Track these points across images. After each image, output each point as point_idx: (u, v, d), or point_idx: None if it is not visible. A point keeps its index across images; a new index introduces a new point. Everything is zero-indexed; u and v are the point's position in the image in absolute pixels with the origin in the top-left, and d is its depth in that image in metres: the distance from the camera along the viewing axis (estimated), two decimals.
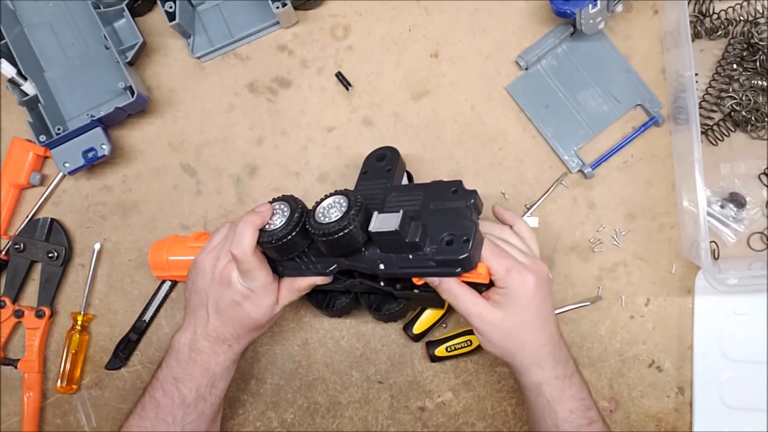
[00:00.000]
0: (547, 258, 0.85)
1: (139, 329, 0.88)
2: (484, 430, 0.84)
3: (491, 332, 0.66)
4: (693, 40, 0.86)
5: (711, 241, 0.83)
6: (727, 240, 0.84)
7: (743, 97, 0.83)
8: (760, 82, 0.83)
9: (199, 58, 0.90)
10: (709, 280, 0.76)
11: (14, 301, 0.89)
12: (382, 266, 0.67)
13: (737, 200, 0.83)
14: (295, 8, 0.88)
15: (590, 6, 0.78)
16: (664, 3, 0.86)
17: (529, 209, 0.85)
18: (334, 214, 0.65)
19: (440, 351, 0.83)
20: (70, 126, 0.88)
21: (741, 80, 0.84)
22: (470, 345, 0.82)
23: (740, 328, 0.81)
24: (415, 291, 0.73)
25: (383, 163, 0.79)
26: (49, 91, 0.88)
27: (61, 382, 0.87)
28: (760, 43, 0.82)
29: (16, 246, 0.88)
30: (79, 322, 0.87)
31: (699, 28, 0.85)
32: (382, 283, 0.73)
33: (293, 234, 0.66)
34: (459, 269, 0.64)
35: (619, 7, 0.81)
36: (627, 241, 0.84)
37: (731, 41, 0.84)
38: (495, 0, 0.88)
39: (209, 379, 0.71)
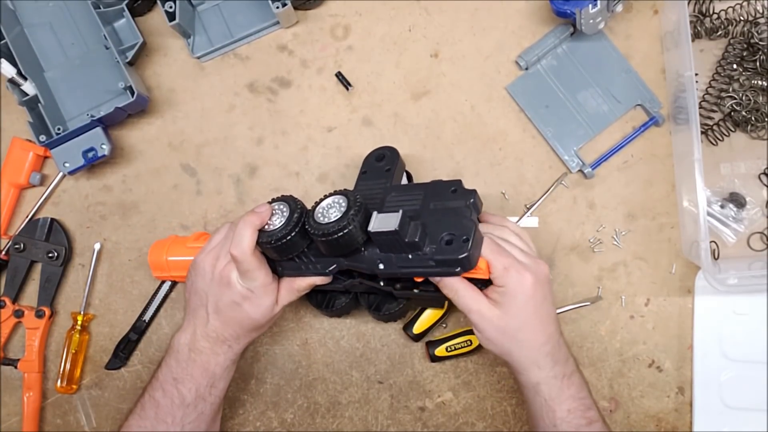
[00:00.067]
0: (547, 258, 0.85)
1: (139, 329, 0.88)
2: (484, 430, 0.84)
3: (489, 330, 0.66)
4: (693, 40, 0.85)
5: (711, 241, 0.83)
6: (727, 240, 0.84)
7: (743, 97, 0.83)
8: (760, 82, 0.83)
9: (199, 58, 0.90)
10: (709, 280, 0.75)
11: (14, 301, 0.89)
12: (381, 266, 0.67)
13: (737, 200, 0.83)
14: (295, 8, 0.88)
15: (590, 6, 0.78)
16: (664, 3, 0.86)
17: (529, 209, 0.85)
18: (334, 214, 0.65)
19: (440, 351, 0.83)
20: (70, 126, 0.88)
21: (741, 80, 0.84)
22: (470, 345, 0.82)
23: (740, 328, 0.81)
24: (415, 291, 0.73)
25: (383, 163, 0.79)
26: (49, 91, 0.88)
27: (61, 382, 0.87)
28: (760, 43, 0.82)
29: (16, 246, 0.88)
30: (79, 322, 0.87)
31: (699, 28, 0.85)
32: (381, 283, 0.73)
33: (292, 234, 0.66)
34: (458, 269, 0.64)
35: (619, 7, 0.81)
36: (627, 241, 0.84)
37: (731, 41, 0.84)
38: (495, 0, 0.88)
39: (209, 380, 0.71)
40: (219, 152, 0.90)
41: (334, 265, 0.70)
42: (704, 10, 0.85)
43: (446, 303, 0.81)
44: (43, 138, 0.84)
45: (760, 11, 0.83)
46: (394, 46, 0.89)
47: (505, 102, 0.87)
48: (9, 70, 0.83)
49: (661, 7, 0.86)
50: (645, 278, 0.84)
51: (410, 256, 0.65)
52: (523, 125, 0.87)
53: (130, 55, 0.87)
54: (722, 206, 0.83)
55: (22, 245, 0.88)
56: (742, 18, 0.84)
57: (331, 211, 0.66)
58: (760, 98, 0.82)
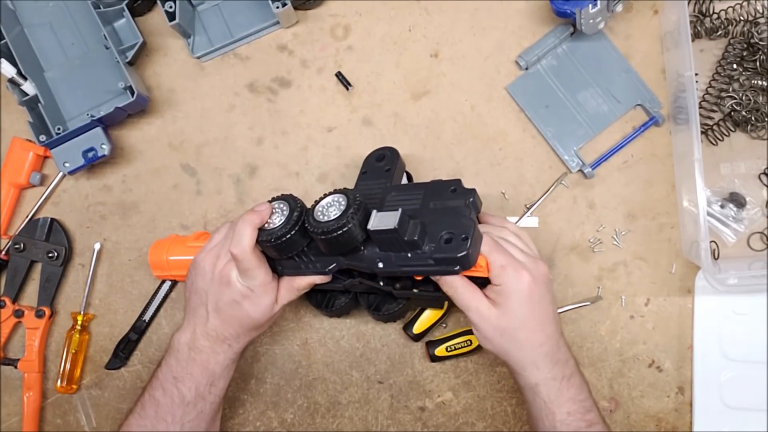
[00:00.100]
0: (547, 258, 0.85)
1: (139, 329, 0.88)
2: (484, 430, 0.84)
3: (488, 329, 0.66)
4: (693, 40, 0.85)
5: (711, 241, 0.83)
6: (727, 240, 0.84)
7: (743, 97, 0.83)
8: (760, 82, 0.83)
9: (199, 58, 0.90)
10: (709, 280, 0.75)
11: (14, 300, 0.89)
12: (381, 265, 0.67)
13: (737, 200, 0.83)
14: (295, 8, 0.88)
15: (590, 6, 0.78)
16: (664, 3, 0.86)
17: (529, 209, 0.85)
18: (333, 213, 0.65)
19: (440, 351, 0.83)
20: (70, 126, 0.88)
21: (741, 80, 0.84)
22: (470, 345, 0.82)
23: (740, 328, 0.81)
24: (414, 291, 0.73)
25: (383, 163, 0.79)
26: (49, 91, 0.88)
27: (61, 382, 0.87)
28: (760, 43, 0.82)
29: (16, 246, 0.88)
30: (79, 322, 0.87)
31: (699, 28, 0.85)
32: (381, 283, 0.73)
33: (292, 233, 0.66)
34: (458, 267, 0.64)
35: (619, 7, 0.81)
36: (627, 241, 0.84)
37: (731, 41, 0.84)
38: (495, 0, 0.88)
39: (209, 378, 0.71)
40: (219, 152, 0.90)
41: (334, 264, 0.70)
42: (704, 10, 0.85)
43: (446, 303, 0.81)
44: (43, 138, 0.84)
45: (760, 11, 0.83)
46: (394, 46, 0.89)
47: (505, 102, 0.87)
48: (9, 70, 0.83)
49: (661, 7, 0.86)
50: (645, 278, 0.84)
51: (409, 255, 0.65)
52: (523, 125, 0.87)
53: (130, 55, 0.87)
54: (722, 206, 0.83)
55: (22, 245, 0.88)
56: (742, 18, 0.84)
57: (330, 209, 0.66)
58: (760, 98, 0.82)
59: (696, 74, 0.84)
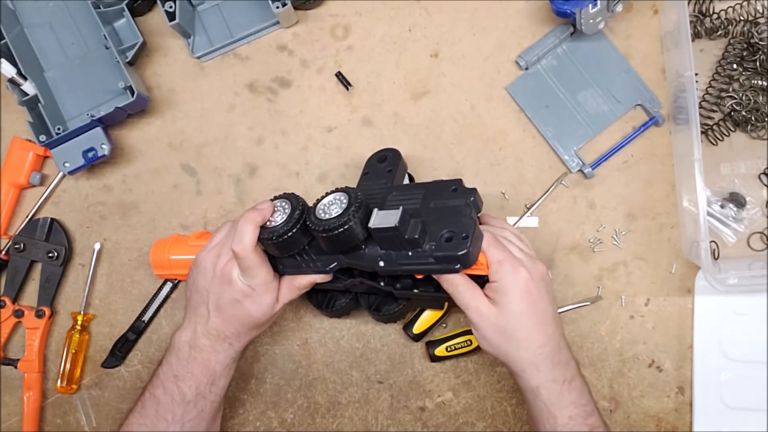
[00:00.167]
0: (547, 258, 0.85)
1: (138, 329, 0.88)
2: (484, 430, 0.84)
3: (487, 328, 0.66)
4: (693, 40, 0.86)
5: (711, 241, 0.83)
6: (727, 240, 0.84)
7: (743, 97, 0.83)
8: (760, 82, 0.83)
9: (199, 58, 0.90)
10: (709, 280, 0.75)
11: (14, 300, 0.89)
12: (381, 263, 0.67)
13: (737, 200, 0.83)
14: (295, 8, 0.88)
15: (590, 6, 0.78)
16: (664, 3, 0.86)
17: (529, 209, 0.85)
18: (335, 211, 0.65)
19: (440, 351, 0.83)
20: (70, 126, 0.88)
21: (741, 80, 0.84)
22: (470, 345, 0.82)
23: (740, 328, 0.81)
24: (415, 291, 0.73)
25: (384, 164, 0.79)
26: (49, 91, 0.88)
27: (61, 382, 0.87)
28: (760, 43, 0.82)
29: (16, 246, 0.88)
30: (79, 322, 0.87)
31: (699, 28, 0.85)
32: (382, 283, 0.73)
33: (294, 231, 0.66)
34: (458, 266, 0.64)
35: (619, 7, 0.81)
36: (627, 241, 0.84)
37: (731, 41, 0.84)
38: (495, 0, 0.88)
39: (209, 377, 0.71)
40: (219, 152, 0.90)
41: (335, 263, 0.70)
42: (704, 10, 0.85)
43: (446, 303, 0.81)
44: (43, 138, 0.84)
45: (760, 11, 0.83)
46: (394, 46, 0.89)
47: (505, 102, 0.87)
48: (9, 70, 0.83)
49: (661, 7, 0.87)
50: (645, 278, 0.84)
51: (410, 253, 0.65)
52: (523, 125, 0.87)
53: (130, 55, 0.87)
54: (722, 206, 0.84)
55: (22, 245, 0.88)
56: (742, 18, 0.84)
57: (332, 207, 0.66)
58: (760, 98, 0.82)
59: (696, 74, 0.84)
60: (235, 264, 0.69)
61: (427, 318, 0.84)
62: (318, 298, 0.80)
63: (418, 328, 0.83)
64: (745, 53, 0.84)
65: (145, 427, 0.70)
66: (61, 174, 0.90)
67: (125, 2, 0.86)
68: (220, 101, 0.90)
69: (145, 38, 0.88)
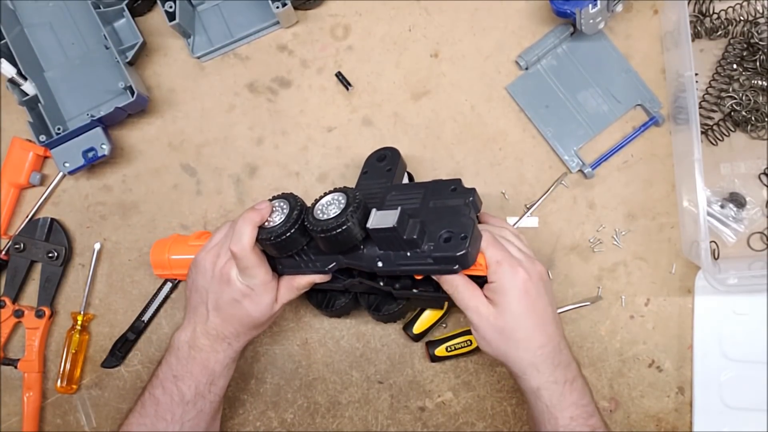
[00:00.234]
0: (547, 258, 0.85)
1: (137, 329, 0.88)
2: (484, 430, 0.84)
3: (486, 329, 0.65)
4: (693, 40, 0.86)
5: (711, 241, 0.83)
6: (727, 240, 0.84)
7: (743, 97, 0.83)
8: (760, 82, 0.83)
9: (199, 58, 0.90)
10: (709, 280, 0.75)
11: (14, 301, 0.89)
12: (380, 264, 0.67)
13: (737, 200, 0.83)
14: (295, 8, 0.88)
15: (590, 6, 0.78)
16: (664, 3, 0.86)
17: (529, 209, 0.85)
18: (333, 211, 0.65)
19: (440, 351, 0.83)
20: (70, 126, 0.88)
21: (741, 80, 0.84)
22: (470, 345, 0.82)
23: (740, 328, 0.81)
24: (414, 291, 0.73)
25: (384, 164, 0.79)
26: (49, 91, 0.89)
27: (61, 382, 0.87)
28: (760, 43, 0.82)
29: (16, 246, 0.88)
30: (79, 322, 0.87)
31: (699, 28, 0.85)
32: (381, 283, 0.73)
33: (292, 231, 0.66)
34: (456, 266, 0.64)
35: (619, 7, 0.81)
36: (627, 241, 0.84)
37: (731, 41, 0.84)
38: (495, 0, 0.88)
39: (208, 377, 0.71)
40: (219, 152, 0.90)
41: (334, 263, 0.70)
42: (704, 10, 0.85)
43: (446, 303, 0.81)
44: (43, 138, 0.84)
45: (760, 11, 0.83)
46: (394, 46, 0.89)
47: (505, 102, 0.87)
48: (9, 70, 0.83)
49: (661, 7, 0.87)
50: (645, 278, 0.84)
51: (409, 254, 0.65)
52: (523, 125, 0.87)
53: (130, 55, 0.87)
54: (722, 206, 0.84)
55: (22, 245, 0.88)
56: (742, 18, 0.84)
57: (330, 207, 0.66)
58: (760, 98, 0.82)
59: (696, 74, 0.84)
60: (234, 264, 0.69)
61: (427, 318, 0.84)
62: (317, 298, 0.80)
63: (418, 328, 0.83)
64: (745, 53, 0.84)
65: (144, 427, 0.70)
66: (61, 174, 0.90)
67: (125, 2, 0.86)
68: (220, 101, 0.90)
69: (145, 38, 0.88)
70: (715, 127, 0.84)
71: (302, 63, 0.90)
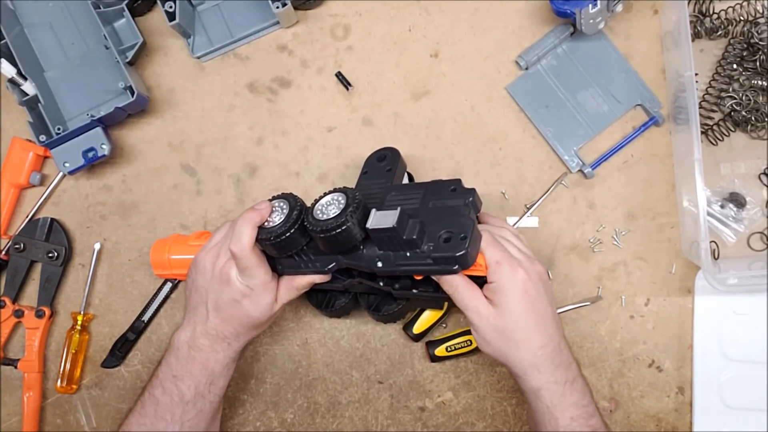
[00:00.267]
0: (547, 258, 0.85)
1: (137, 329, 0.88)
2: (484, 430, 0.84)
3: (486, 329, 0.65)
4: (693, 40, 0.86)
5: (711, 241, 0.83)
6: (727, 240, 0.84)
7: (743, 97, 0.83)
8: (760, 82, 0.83)
9: (199, 58, 0.90)
10: (709, 280, 0.75)
11: (14, 301, 0.89)
12: (380, 264, 0.67)
13: (737, 200, 0.83)
14: (295, 8, 0.88)
15: (590, 6, 0.78)
16: (664, 3, 0.86)
17: (529, 209, 0.85)
18: (332, 211, 0.65)
19: (440, 351, 0.83)
20: (70, 126, 0.88)
21: (741, 80, 0.84)
22: (470, 345, 0.82)
23: (740, 328, 0.81)
24: (414, 291, 0.73)
25: (384, 164, 0.79)
26: (49, 91, 0.89)
27: (61, 382, 0.87)
28: (760, 43, 0.82)
29: (16, 246, 0.88)
30: (79, 322, 0.87)
31: (699, 28, 0.85)
32: (381, 283, 0.73)
33: (292, 231, 0.66)
34: (456, 266, 0.64)
35: (619, 7, 0.81)
36: (627, 241, 0.84)
37: (731, 41, 0.84)
38: (495, 0, 0.88)
39: (208, 377, 0.71)
40: (219, 152, 0.90)
41: (333, 264, 0.70)
42: (704, 10, 0.85)
43: (445, 304, 0.81)
44: (43, 138, 0.84)
45: (760, 11, 0.83)
46: (394, 46, 0.89)
47: (505, 102, 0.87)
48: (9, 70, 0.83)
49: (661, 7, 0.87)
50: (645, 278, 0.84)
51: (408, 254, 0.65)
52: (523, 125, 0.87)
53: (130, 55, 0.87)
54: (722, 206, 0.83)
55: (22, 245, 0.88)
56: (742, 18, 0.84)
57: (329, 208, 0.66)
58: (760, 98, 0.82)
59: (696, 74, 0.84)
60: (234, 264, 0.69)
61: (427, 318, 0.83)
62: (317, 298, 0.80)
63: (418, 328, 0.83)
64: (745, 53, 0.84)
65: (144, 427, 0.70)
66: (61, 174, 0.90)
67: (125, 2, 0.86)
68: (220, 101, 0.90)
69: (145, 38, 0.88)
70: (715, 127, 0.84)
71: (302, 63, 0.90)
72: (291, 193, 0.71)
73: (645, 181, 0.85)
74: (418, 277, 0.71)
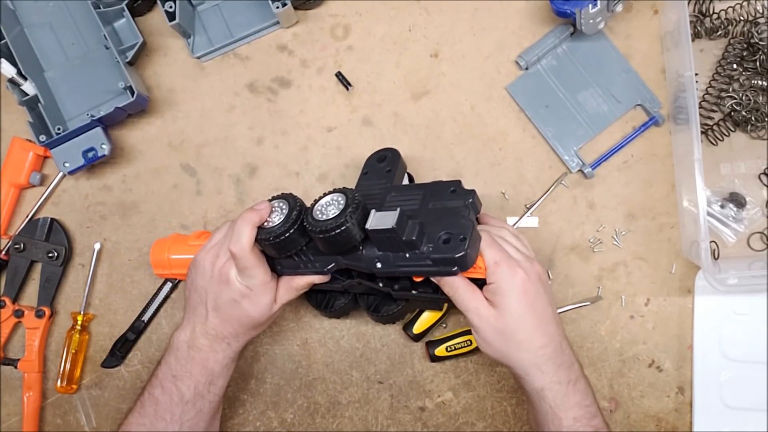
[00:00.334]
0: (547, 258, 0.85)
1: (137, 329, 0.88)
2: (484, 430, 0.84)
3: (487, 330, 0.65)
4: (693, 40, 0.85)
5: (711, 241, 0.83)
6: (727, 240, 0.84)
7: (743, 97, 0.83)
8: (760, 82, 0.83)
9: (199, 58, 0.90)
10: (709, 280, 0.75)
11: (14, 301, 0.89)
12: (379, 265, 0.67)
13: (737, 200, 0.83)
14: (295, 8, 0.88)
15: (590, 6, 0.78)
16: (664, 3, 0.86)
17: (529, 209, 0.85)
18: (332, 212, 0.65)
19: (440, 351, 0.83)
20: (70, 126, 0.88)
21: (741, 80, 0.84)
22: (470, 345, 0.82)
23: (740, 328, 0.81)
24: (413, 292, 0.73)
25: (384, 164, 0.79)
26: (49, 91, 0.89)
27: (61, 382, 0.87)
28: (760, 43, 0.82)
29: (16, 246, 0.88)
30: (79, 322, 0.87)
31: (699, 28, 0.85)
32: (380, 284, 0.73)
33: (291, 231, 0.66)
34: (455, 268, 0.64)
35: (619, 7, 0.81)
36: (627, 241, 0.84)
37: (731, 41, 0.84)
38: (495, 0, 0.88)
39: (207, 377, 0.71)
40: (219, 152, 0.90)
41: (333, 264, 0.70)
42: (704, 10, 0.85)
43: (444, 305, 0.81)
44: (43, 138, 0.84)
45: (760, 11, 0.83)
46: (394, 46, 0.89)
47: (505, 102, 0.87)
48: (9, 70, 0.83)
49: (661, 7, 0.86)
50: (645, 278, 0.84)
51: (408, 255, 0.65)
52: (523, 125, 0.87)
53: (130, 55, 0.87)
54: (722, 206, 0.83)
55: (22, 245, 0.88)
56: (742, 18, 0.84)
57: (329, 208, 0.66)
58: (760, 98, 0.82)
59: (696, 74, 0.84)
60: (233, 264, 0.69)
61: (427, 318, 0.83)
62: (317, 299, 0.80)
63: (418, 328, 0.83)
64: (745, 53, 0.84)
65: (143, 426, 0.70)
66: (61, 174, 0.90)
67: (125, 2, 0.86)
68: (220, 101, 0.90)
69: (145, 38, 0.88)
70: (715, 127, 0.84)
71: (302, 63, 0.90)
72: (290, 194, 0.71)
73: (645, 181, 0.85)
74: (418, 279, 0.71)
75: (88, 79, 0.89)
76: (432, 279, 0.68)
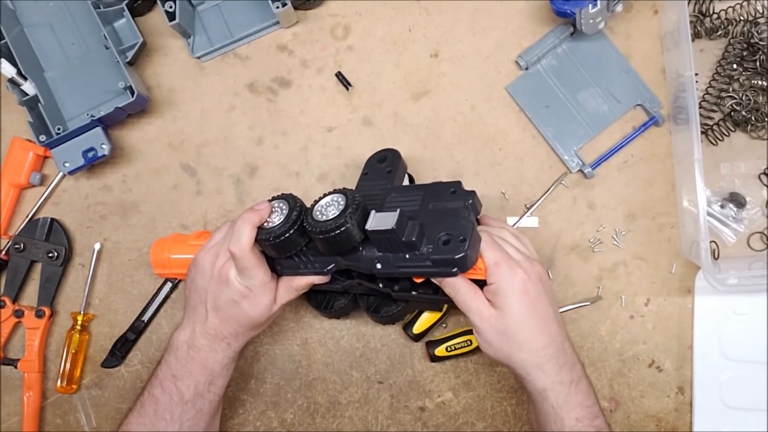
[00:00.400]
0: (547, 258, 0.85)
1: (137, 329, 0.88)
2: (484, 430, 0.84)
3: (488, 331, 0.65)
4: (693, 40, 0.85)
5: (711, 241, 0.83)
6: (727, 240, 0.84)
7: (743, 97, 0.83)
8: (760, 82, 0.83)
9: (199, 58, 0.90)
10: (709, 280, 0.75)
11: (14, 300, 0.89)
12: (379, 265, 0.67)
13: (737, 200, 0.83)
14: (295, 8, 0.88)
15: (590, 6, 0.78)
16: (664, 3, 0.86)
17: (529, 209, 0.85)
18: (332, 212, 0.65)
19: (440, 351, 0.83)
20: (70, 126, 0.88)
21: (741, 80, 0.84)
22: (470, 345, 0.82)
23: (740, 328, 0.81)
24: (413, 293, 0.73)
25: (384, 165, 0.79)
26: (49, 91, 0.89)
27: (61, 382, 0.87)
28: (760, 43, 0.82)
29: (16, 246, 0.88)
30: (79, 322, 0.87)
31: (699, 28, 0.85)
32: (380, 284, 0.73)
33: (291, 231, 0.66)
34: (455, 269, 0.64)
35: (619, 7, 0.81)
36: (627, 241, 0.84)
37: (731, 41, 0.84)
38: (495, 0, 0.88)
39: (207, 377, 0.71)
40: (219, 152, 0.90)
41: (333, 265, 0.70)
42: (704, 10, 0.85)
43: (444, 305, 0.81)
44: (43, 138, 0.84)
45: (760, 11, 0.83)
46: (394, 46, 0.89)
47: (505, 102, 0.87)
48: (9, 70, 0.84)
49: (661, 7, 0.86)
50: (645, 278, 0.84)
51: (407, 256, 0.65)
52: (523, 125, 0.87)
53: (130, 55, 0.87)
54: (722, 206, 0.83)
55: (22, 245, 0.88)
56: (742, 18, 0.84)
57: (329, 209, 0.66)
58: (760, 98, 0.82)
59: (696, 74, 0.84)
60: (233, 264, 0.69)
61: (427, 318, 0.83)
62: (317, 299, 0.80)
63: (418, 328, 0.83)
64: (745, 53, 0.84)
65: (143, 426, 0.70)
66: (61, 174, 0.90)
67: (125, 2, 0.86)
68: (220, 101, 0.90)
69: (145, 38, 0.88)
70: (715, 127, 0.84)
71: (302, 63, 0.90)
72: (290, 194, 0.71)
73: (645, 181, 0.85)
74: (418, 280, 0.71)
75: (88, 79, 0.89)
76: (433, 280, 0.68)
